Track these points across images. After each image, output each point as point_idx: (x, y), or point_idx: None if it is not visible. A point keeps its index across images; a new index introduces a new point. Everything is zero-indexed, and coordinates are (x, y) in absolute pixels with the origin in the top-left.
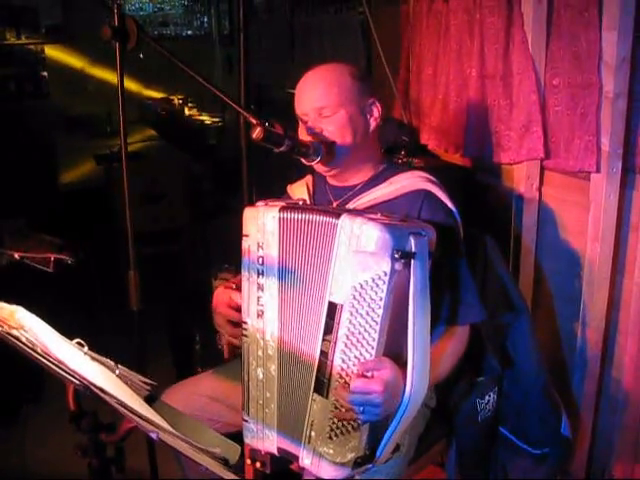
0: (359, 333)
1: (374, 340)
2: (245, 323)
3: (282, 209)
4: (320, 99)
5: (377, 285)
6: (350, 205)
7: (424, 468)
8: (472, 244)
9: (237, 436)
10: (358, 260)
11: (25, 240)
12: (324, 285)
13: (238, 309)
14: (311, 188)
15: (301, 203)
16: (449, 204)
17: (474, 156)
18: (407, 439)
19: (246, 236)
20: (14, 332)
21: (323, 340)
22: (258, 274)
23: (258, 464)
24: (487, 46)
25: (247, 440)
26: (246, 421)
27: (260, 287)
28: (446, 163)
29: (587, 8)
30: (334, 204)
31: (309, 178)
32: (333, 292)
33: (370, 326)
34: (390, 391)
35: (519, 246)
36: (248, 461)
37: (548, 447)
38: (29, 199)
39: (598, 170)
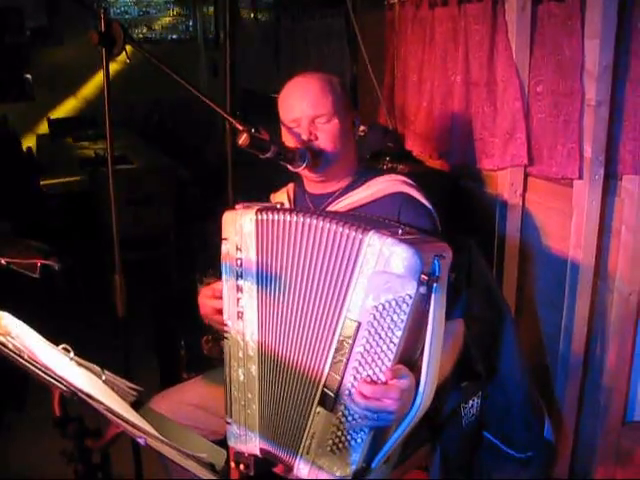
0: (375, 353)
1: (390, 361)
2: (226, 325)
3: (259, 211)
4: (315, 107)
5: (400, 307)
6: (330, 209)
7: (408, 472)
8: (456, 249)
9: (223, 443)
10: (383, 280)
11: (12, 245)
12: (338, 299)
13: (222, 297)
14: (292, 195)
15: (279, 206)
16: (427, 204)
17: (458, 162)
18: None
19: (225, 239)
20: (0, 338)
21: (335, 354)
22: (237, 276)
23: (242, 466)
24: (471, 53)
25: (231, 443)
26: (229, 424)
27: (239, 289)
28: (430, 169)
29: (570, 17)
30: None
31: (290, 186)
32: (351, 309)
33: (387, 347)
34: (404, 399)
35: (502, 252)
36: (232, 464)
37: (531, 451)
38: (12, 203)
39: (580, 177)
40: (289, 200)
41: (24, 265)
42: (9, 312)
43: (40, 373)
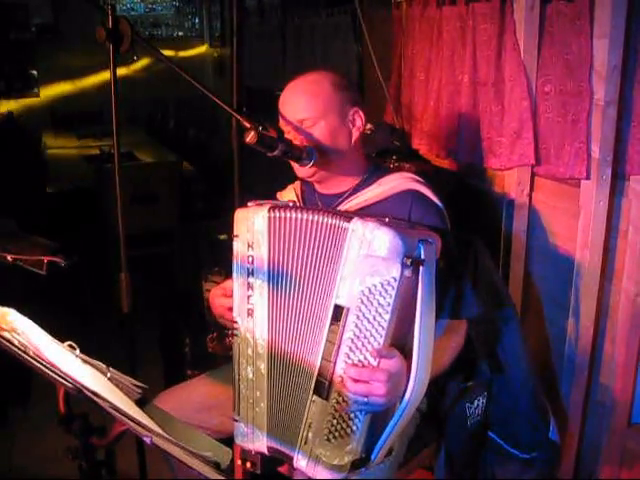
0: (364, 337)
1: (379, 345)
2: (236, 322)
3: (271, 209)
4: (300, 111)
5: (386, 290)
6: (341, 208)
7: (413, 471)
8: (462, 247)
9: (227, 442)
10: (368, 264)
11: (18, 242)
12: (329, 287)
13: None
14: (299, 194)
15: (291, 204)
16: (437, 202)
17: (465, 161)
18: (397, 442)
19: (236, 237)
20: (6, 335)
21: (326, 342)
22: (248, 274)
23: (249, 464)
24: (479, 52)
25: (238, 441)
26: (237, 421)
27: (250, 286)
28: (437, 168)
29: (579, 16)
30: None
31: (297, 184)
32: (340, 295)
33: (376, 330)
34: (393, 383)
35: (509, 251)
36: (239, 462)
37: (536, 451)
38: (17, 199)
39: (588, 177)
40: (297, 198)
41: (31, 262)
42: (15, 308)
43: (45, 370)
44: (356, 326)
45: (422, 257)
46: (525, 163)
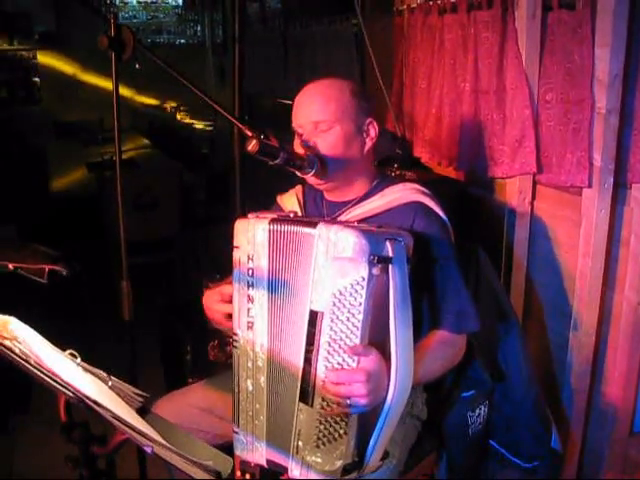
0: (340, 339)
1: None
2: (236, 335)
3: (272, 221)
4: (317, 113)
5: (356, 290)
6: (342, 218)
7: (415, 479)
8: (464, 256)
9: (227, 447)
10: (336, 266)
11: (19, 250)
12: (306, 294)
13: (230, 300)
14: (301, 199)
15: (292, 215)
16: (441, 214)
17: (467, 170)
18: (398, 450)
19: (237, 248)
20: (7, 343)
21: (306, 349)
22: (248, 286)
23: (248, 476)
24: (481, 61)
25: (237, 452)
26: (236, 433)
27: (250, 299)
28: (439, 176)
29: (580, 25)
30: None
31: (299, 189)
32: (314, 300)
33: (351, 332)
34: (374, 382)
35: (511, 260)
36: (238, 473)
37: (538, 460)
38: (19, 207)
39: (590, 185)
40: (299, 204)
41: (32, 270)
42: (16, 316)
43: (46, 379)
44: (331, 329)
45: (390, 255)
46: (527, 171)
